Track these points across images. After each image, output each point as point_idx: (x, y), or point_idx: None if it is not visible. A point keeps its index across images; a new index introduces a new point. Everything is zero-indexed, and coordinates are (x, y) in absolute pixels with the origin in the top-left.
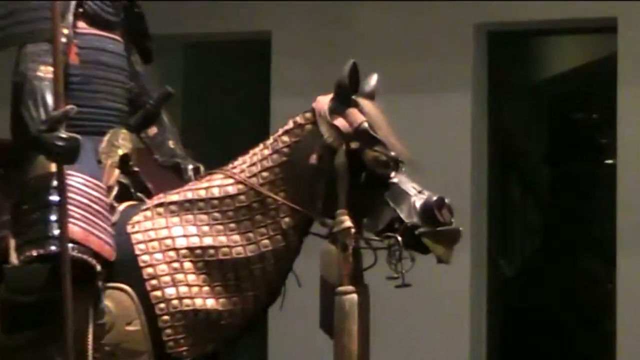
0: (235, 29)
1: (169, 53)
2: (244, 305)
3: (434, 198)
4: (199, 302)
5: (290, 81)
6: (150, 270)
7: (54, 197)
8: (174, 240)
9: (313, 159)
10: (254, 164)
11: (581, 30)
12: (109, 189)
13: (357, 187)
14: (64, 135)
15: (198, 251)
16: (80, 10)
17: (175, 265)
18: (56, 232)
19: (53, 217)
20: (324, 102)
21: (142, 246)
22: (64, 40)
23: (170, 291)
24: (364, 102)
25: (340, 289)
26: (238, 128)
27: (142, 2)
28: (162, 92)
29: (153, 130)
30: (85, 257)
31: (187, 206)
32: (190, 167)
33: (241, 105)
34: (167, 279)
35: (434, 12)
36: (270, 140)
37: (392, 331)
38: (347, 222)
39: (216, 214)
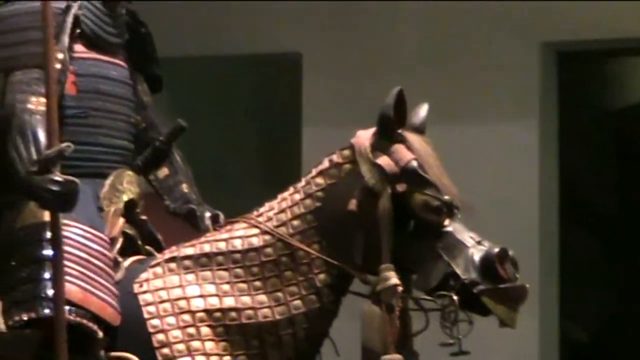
0: (264, 50)
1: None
2: None
3: (495, 250)
4: None
5: (323, 105)
6: (161, 336)
7: (47, 251)
8: (188, 302)
9: (352, 204)
10: (282, 211)
11: None
12: (112, 241)
13: (404, 238)
14: (58, 178)
15: (217, 314)
16: (78, 30)
17: (191, 330)
18: (50, 292)
19: (46, 275)
20: (364, 137)
21: (151, 308)
22: (58, 66)
23: None
24: (412, 137)
25: (385, 357)
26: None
27: (149, 20)
28: (174, 126)
29: (163, 172)
30: (84, 321)
31: (204, 261)
32: (208, 214)
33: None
34: (182, 347)
35: (493, 27)
36: (302, 183)
37: None
38: (393, 279)
39: (238, 270)
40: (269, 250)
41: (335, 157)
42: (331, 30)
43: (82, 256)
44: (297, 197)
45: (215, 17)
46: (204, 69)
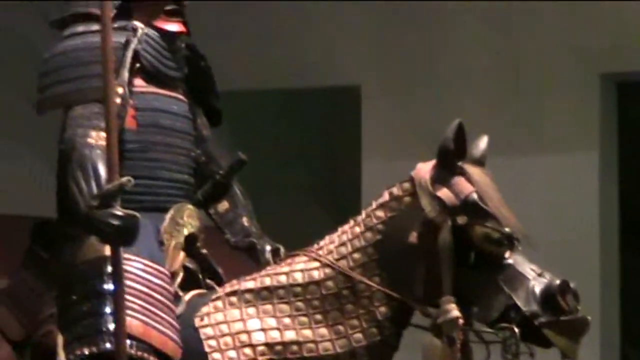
0: (323, 83)
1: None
2: None
3: (557, 282)
4: None
5: (383, 138)
6: None
7: (108, 286)
8: (250, 335)
9: (413, 237)
10: (343, 244)
11: None
12: (173, 275)
13: (464, 270)
14: (119, 212)
15: (278, 347)
16: (137, 65)
17: None
18: (111, 326)
19: (107, 309)
20: (424, 170)
21: (212, 342)
22: (118, 100)
23: None
24: (472, 170)
25: None
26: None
27: (208, 54)
28: (234, 160)
29: (224, 206)
30: (145, 355)
31: (265, 295)
32: (268, 248)
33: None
34: None
35: (553, 59)
36: (363, 216)
37: None
38: (454, 312)
39: (299, 304)
40: (329, 283)
41: (396, 190)
42: (390, 62)
43: (143, 290)
44: (358, 230)
45: (273, 50)
46: (264, 102)
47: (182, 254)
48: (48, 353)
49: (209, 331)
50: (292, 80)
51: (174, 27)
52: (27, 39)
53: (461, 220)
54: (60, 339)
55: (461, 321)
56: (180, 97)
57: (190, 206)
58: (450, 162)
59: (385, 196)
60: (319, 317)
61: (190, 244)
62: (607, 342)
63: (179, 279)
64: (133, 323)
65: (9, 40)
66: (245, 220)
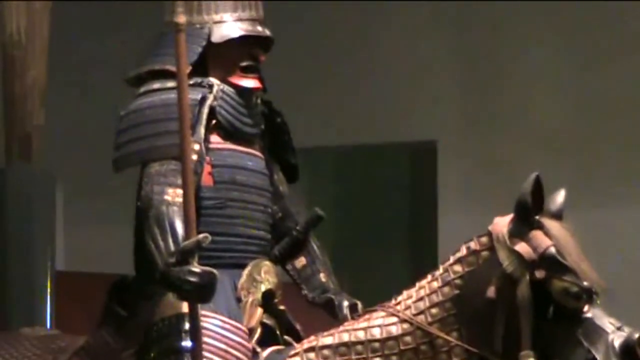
0: (400, 139)
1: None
2: None
3: (636, 335)
4: None
5: (459, 192)
6: None
7: (186, 343)
8: None
9: (491, 291)
10: (420, 299)
11: None
12: (251, 331)
13: (543, 324)
14: (196, 269)
15: None
16: (214, 121)
17: None
18: None
19: None
20: (502, 224)
21: None
22: (194, 157)
23: None
24: (550, 223)
25: None
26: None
27: (285, 110)
28: (311, 216)
29: (301, 261)
30: None
31: (342, 350)
32: (346, 304)
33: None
34: None
35: (626, 113)
36: (440, 271)
37: None
38: None
39: (377, 359)
40: (407, 338)
41: (473, 244)
42: (466, 117)
43: (221, 347)
44: (435, 284)
45: (350, 106)
46: (340, 158)
47: (259, 311)
48: None
49: None
50: (369, 135)
51: (249, 83)
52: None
53: (539, 274)
54: None
55: None
56: (257, 153)
57: (267, 262)
58: (527, 216)
59: (463, 250)
60: None
61: (267, 300)
62: None
63: (256, 336)
64: None
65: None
66: (322, 276)
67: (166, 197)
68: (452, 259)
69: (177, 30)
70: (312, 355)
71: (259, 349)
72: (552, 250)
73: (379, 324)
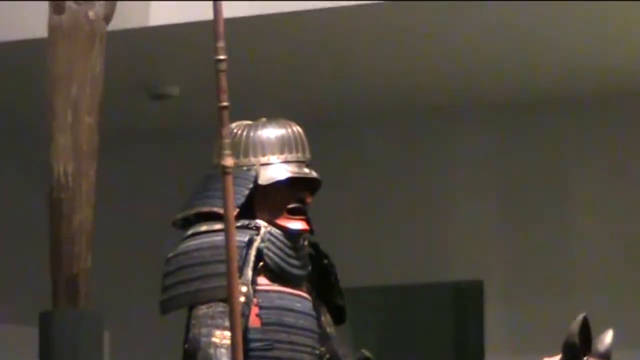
0: (445, 279)
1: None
2: None
3: None
4: None
5: (506, 333)
6: None
7: None
8: None
9: None
10: None
11: None
12: None
13: None
14: None
15: None
16: (261, 263)
17: None
18: None
19: None
20: None
21: None
22: (242, 299)
23: None
24: None
25: None
26: None
27: (331, 252)
28: (358, 357)
29: None
30: None
31: None
32: None
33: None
34: None
35: None
36: None
37: None
38: None
39: None
40: None
41: None
42: (511, 256)
43: None
44: None
45: (396, 247)
46: (385, 299)
47: None
48: None
49: None
50: (414, 275)
51: (297, 225)
52: None
53: None
54: None
55: None
56: (304, 294)
57: None
58: (575, 357)
59: None
60: None
61: None
62: None
63: None
64: None
65: None
66: None
67: (214, 339)
68: None
69: (225, 172)
70: None
71: None
72: None
73: None
